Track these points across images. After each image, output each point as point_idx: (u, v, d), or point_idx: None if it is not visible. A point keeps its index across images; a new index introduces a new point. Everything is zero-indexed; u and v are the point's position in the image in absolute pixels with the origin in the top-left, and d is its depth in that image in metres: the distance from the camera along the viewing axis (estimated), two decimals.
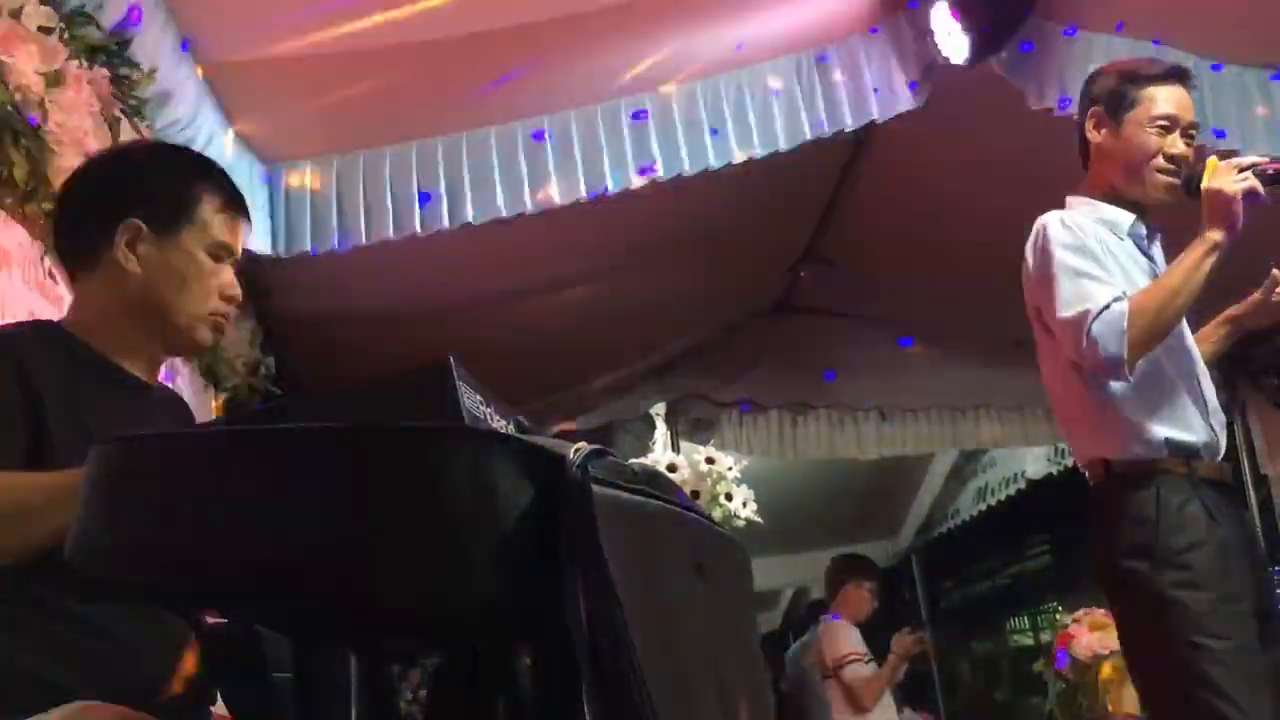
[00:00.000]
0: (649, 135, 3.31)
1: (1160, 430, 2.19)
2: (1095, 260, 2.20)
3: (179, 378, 2.94)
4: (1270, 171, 2.18)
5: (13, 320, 1.76)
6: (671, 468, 3.04)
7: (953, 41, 3.32)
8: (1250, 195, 2.15)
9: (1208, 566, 2.10)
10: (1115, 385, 2.18)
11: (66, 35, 2.24)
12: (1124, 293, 2.15)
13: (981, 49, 3.29)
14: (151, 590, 1.39)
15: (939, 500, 8.85)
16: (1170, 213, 2.34)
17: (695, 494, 2.93)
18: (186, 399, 1.93)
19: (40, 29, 2.13)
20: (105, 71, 2.36)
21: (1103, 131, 2.35)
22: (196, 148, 2.60)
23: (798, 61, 3.42)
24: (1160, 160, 2.29)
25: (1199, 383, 2.29)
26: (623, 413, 5.81)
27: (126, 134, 2.46)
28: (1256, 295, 2.41)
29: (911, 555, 9.44)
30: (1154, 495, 2.15)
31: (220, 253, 1.60)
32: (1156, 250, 2.36)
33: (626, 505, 0.89)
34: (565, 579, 0.80)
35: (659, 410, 5.91)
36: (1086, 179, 2.41)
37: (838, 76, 3.41)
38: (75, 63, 2.24)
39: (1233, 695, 2.01)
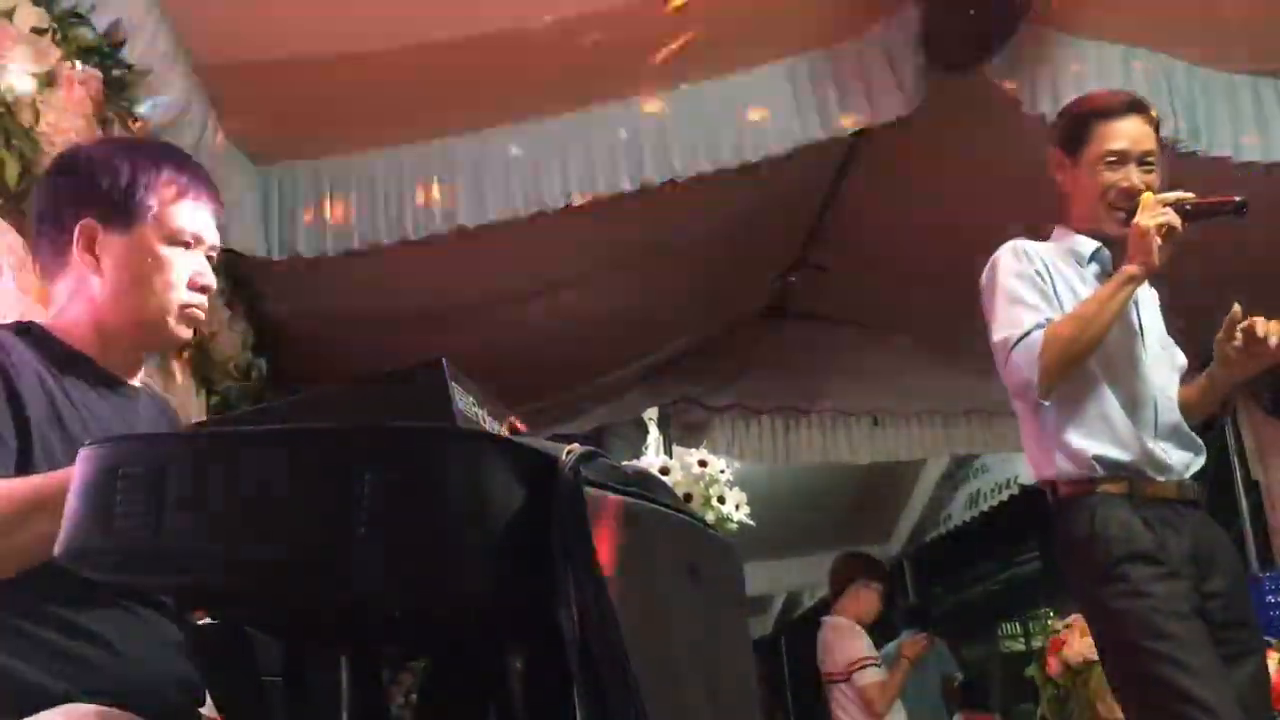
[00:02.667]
0: (641, 140, 3.31)
1: (1090, 448, 2.26)
2: (1035, 288, 2.30)
3: (170, 380, 2.93)
4: (1188, 207, 2.26)
5: (3, 322, 1.75)
6: (664, 470, 3.03)
7: (947, 47, 3.32)
8: (1168, 230, 2.22)
9: (1146, 575, 2.16)
10: (1050, 406, 2.27)
11: (59, 36, 2.24)
12: (1048, 320, 2.24)
13: (975, 54, 3.30)
14: (142, 591, 1.39)
15: (931, 506, 8.85)
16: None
17: (688, 496, 2.92)
18: (177, 401, 1.92)
19: (33, 30, 2.13)
20: (98, 72, 2.36)
21: (1066, 172, 2.44)
22: (188, 149, 2.60)
23: (791, 66, 3.42)
24: (1112, 195, 2.35)
25: (1154, 406, 2.32)
26: (615, 417, 5.81)
27: (119, 135, 2.46)
28: (1223, 339, 2.35)
29: (904, 560, 9.44)
30: (1090, 514, 2.23)
31: (183, 241, 1.54)
32: None
33: (619, 507, 0.89)
34: (558, 580, 0.79)
35: (651, 415, 5.90)
36: (1070, 216, 2.47)
37: (831, 81, 3.42)
38: (68, 64, 2.23)
39: (1190, 692, 2.04)
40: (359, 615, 0.94)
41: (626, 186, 3.29)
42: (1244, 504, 5.91)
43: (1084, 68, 3.45)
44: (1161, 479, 2.27)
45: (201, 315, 1.58)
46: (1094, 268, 2.39)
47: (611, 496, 0.87)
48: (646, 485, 0.99)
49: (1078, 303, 2.29)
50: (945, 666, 5.99)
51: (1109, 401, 2.29)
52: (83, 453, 0.91)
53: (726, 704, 1.04)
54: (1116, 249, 2.39)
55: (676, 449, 5.42)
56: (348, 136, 3.23)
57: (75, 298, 1.55)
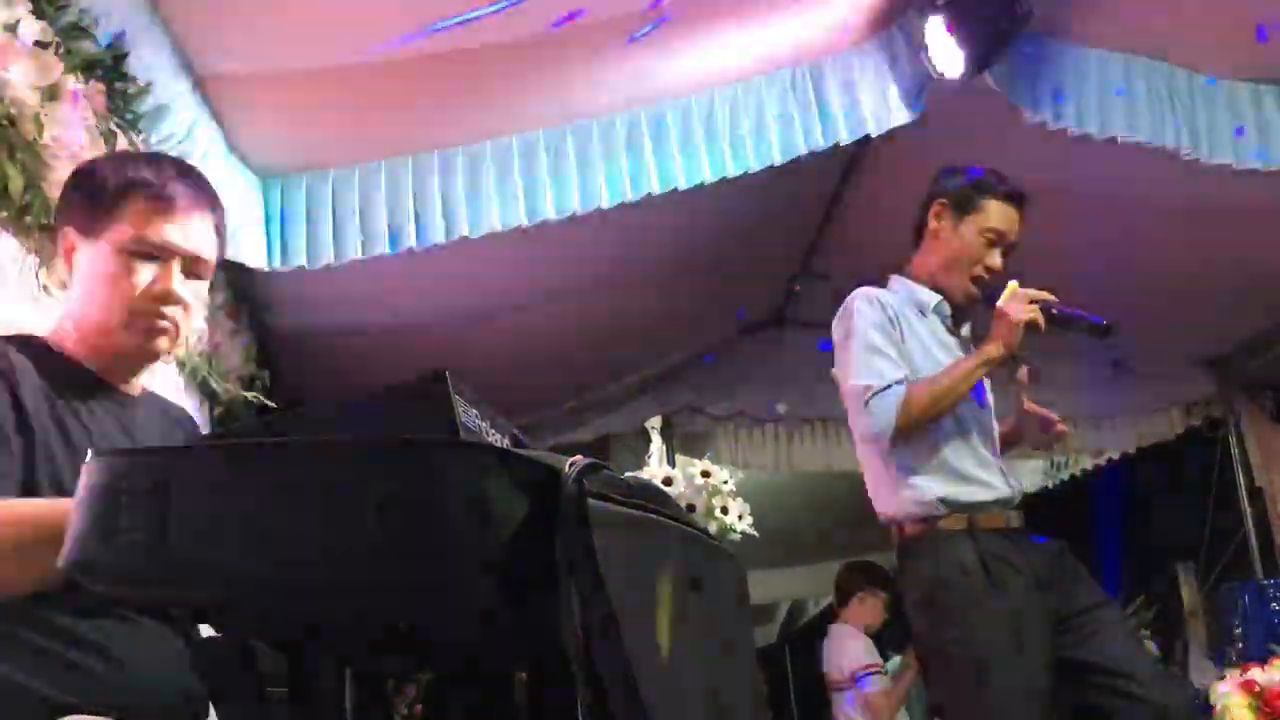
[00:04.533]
0: (644, 150, 3.31)
1: (934, 489, 2.40)
2: (890, 339, 2.45)
3: (173, 392, 2.93)
4: (1054, 311, 2.43)
5: (5, 334, 1.76)
6: (667, 481, 3.03)
7: (948, 55, 3.32)
8: (1032, 325, 2.39)
9: (980, 622, 2.29)
10: (893, 448, 2.41)
11: (62, 50, 2.24)
12: (906, 376, 2.40)
13: (977, 63, 3.30)
14: (145, 603, 1.39)
15: None
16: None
17: (691, 507, 2.92)
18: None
19: (36, 44, 2.13)
20: (101, 85, 2.36)
21: (942, 223, 2.59)
22: (192, 161, 2.60)
23: (792, 76, 3.42)
24: (979, 269, 2.53)
25: (992, 440, 2.50)
26: (618, 427, 5.79)
27: (122, 147, 2.46)
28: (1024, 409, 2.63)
29: None
30: (933, 557, 2.37)
31: (148, 250, 1.52)
32: (966, 328, 2.60)
33: (622, 519, 0.89)
34: (561, 593, 0.79)
35: (655, 424, 5.89)
36: (912, 262, 2.65)
37: (833, 91, 3.42)
38: (71, 77, 2.24)
39: None
40: (363, 628, 0.94)
41: (629, 196, 3.29)
42: (1247, 511, 5.90)
43: (1085, 76, 3.45)
44: (998, 510, 2.42)
45: (163, 324, 1.54)
46: (934, 318, 2.56)
47: (615, 509, 0.87)
48: (649, 497, 0.99)
49: (922, 350, 2.47)
50: None
51: (951, 443, 2.43)
52: (86, 465, 0.92)
53: (732, 715, 1.04)
54: (955, 302, 2.59)
55: (680, 459, 5.42)
56: (350, 147, 3.23)
57: (66, 308, 1.58)
